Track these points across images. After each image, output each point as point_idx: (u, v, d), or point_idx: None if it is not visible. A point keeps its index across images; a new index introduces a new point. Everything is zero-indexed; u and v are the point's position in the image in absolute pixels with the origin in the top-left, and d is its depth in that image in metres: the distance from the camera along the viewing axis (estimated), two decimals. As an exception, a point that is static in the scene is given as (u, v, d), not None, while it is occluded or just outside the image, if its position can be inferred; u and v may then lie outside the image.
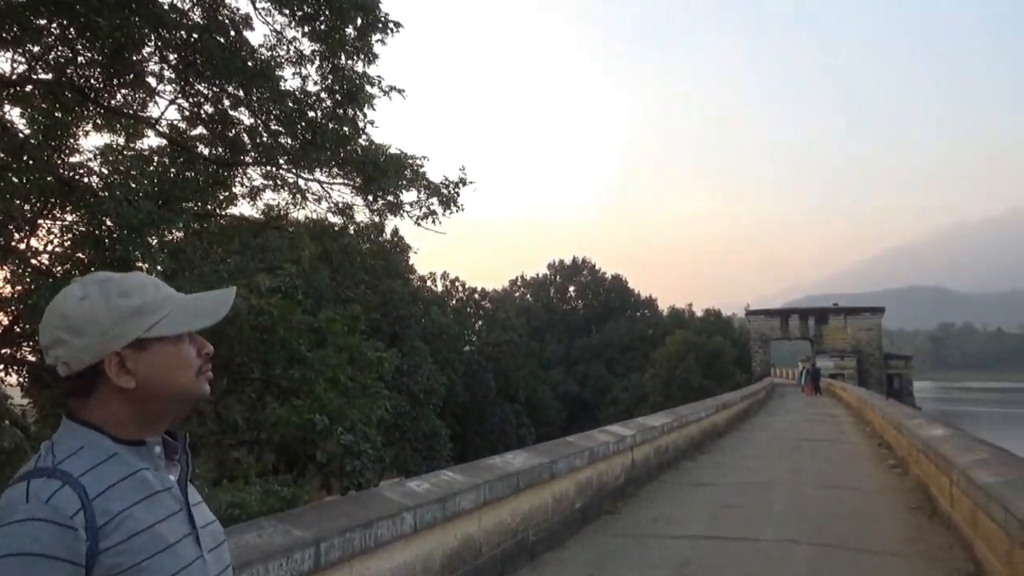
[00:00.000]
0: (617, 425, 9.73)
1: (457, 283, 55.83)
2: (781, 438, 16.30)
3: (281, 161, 11.27)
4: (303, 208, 12.52)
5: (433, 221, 11.36)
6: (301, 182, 11.94)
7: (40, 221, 10.37)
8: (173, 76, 10.23)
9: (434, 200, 11.11)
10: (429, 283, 51.97)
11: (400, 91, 11.22)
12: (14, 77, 9.28)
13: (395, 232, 36.53)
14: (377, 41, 10.65)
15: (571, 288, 79.44)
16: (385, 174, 10.31)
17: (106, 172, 10.84)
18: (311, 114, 10.60)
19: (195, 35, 9.28)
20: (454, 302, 53.74)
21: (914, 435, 9.50)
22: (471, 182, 11.34)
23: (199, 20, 9.79)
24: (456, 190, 11.23)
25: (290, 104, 10.35)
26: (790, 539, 6.71)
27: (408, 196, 11.15)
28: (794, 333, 61.26)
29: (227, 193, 12.12)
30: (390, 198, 10.99)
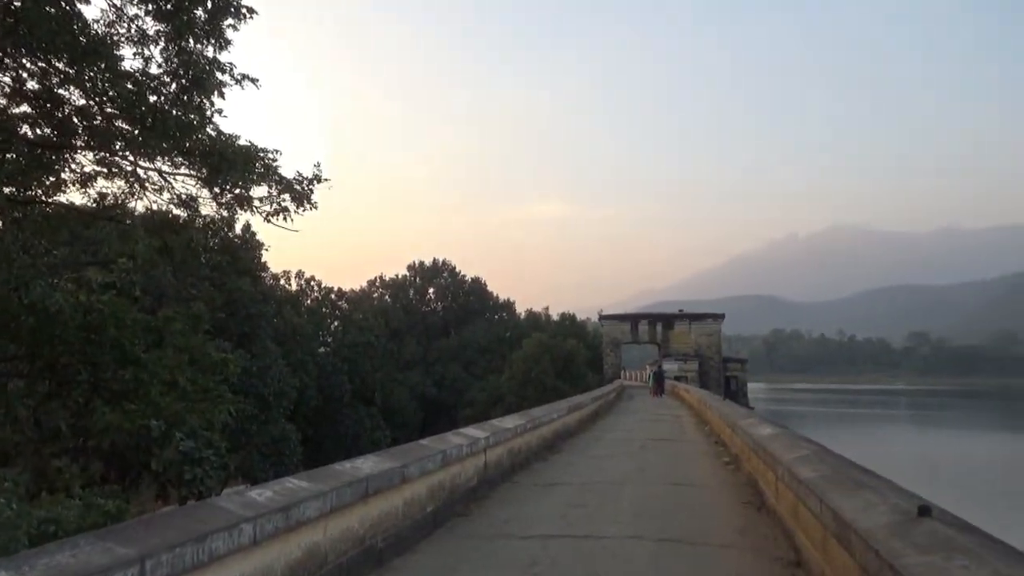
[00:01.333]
0: (471, 427, 9.75)
1: (313, 282, 54.13)
2: (629, 438, 16.98)
3: (117, 146, 10.41)
4: (142, 198, 11.62)
5: (285, 218, 10.86)
6: (140, 170, 11.08)
7: None
8: (-10, 47, 9.20)
9: (286, 196, 10.62)
10: (283, 282, 50.05)
11: (254, 80, 10.69)
12: None
13: (247, 228, 34.87)
14: (229, 26, 10.10)
15: (430, 290, 79.22)
16: (233, 166, 9.75)
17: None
18: (152, 98, 9.87)
19: (17, 3, 8.40)
20: (309, 302, 52.05)
21: (746, 434, 10.18)
22: (327, 179, 10.94)
23: (23, -14, 8.87)
24: (310, 187, 10.80)
25: (129, 86, 9.59)
26: (635, 535, 6.97)
27: (259, 191, 10.60)
28: (643, 337, 64.30)
29: (53, 179, 11.03)
30: (238, 191, 10.40)
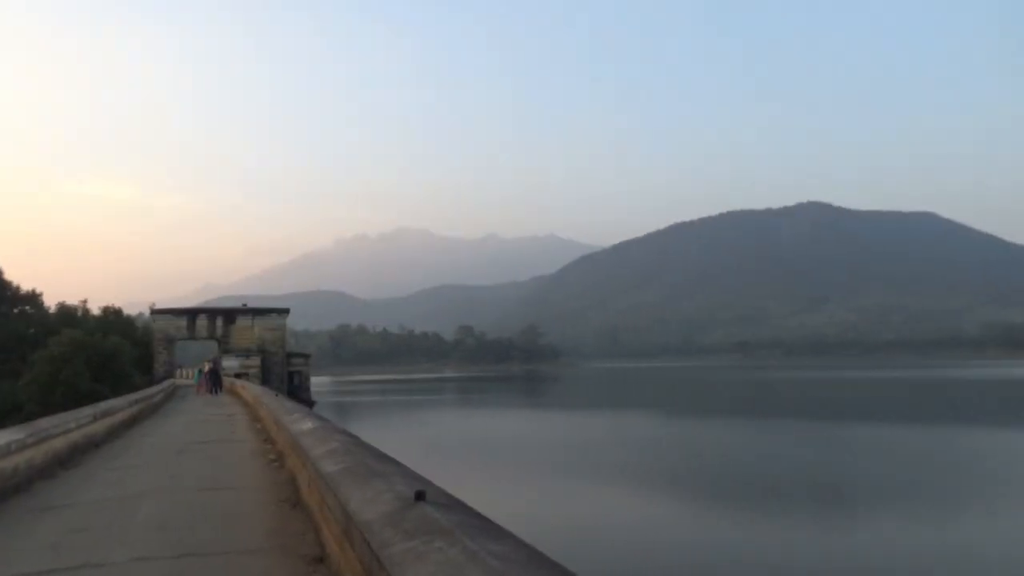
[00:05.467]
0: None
1: None
2: (169, 442, 15.50)
3: None
4: None
5: None
6: None
7: None
8: None
9: None
10: None
11: None
12: None
13: None
14: None
15: (-80, 277, 62.90)
16: None
17: None
18: None
19: None
20: None
21: (287, 430, 9.91)
22: None
23: None
24: None
25: None
26: (144, 556, 6.11)
27: None
28: (202, 333, 60.43)
29: None
30: None
